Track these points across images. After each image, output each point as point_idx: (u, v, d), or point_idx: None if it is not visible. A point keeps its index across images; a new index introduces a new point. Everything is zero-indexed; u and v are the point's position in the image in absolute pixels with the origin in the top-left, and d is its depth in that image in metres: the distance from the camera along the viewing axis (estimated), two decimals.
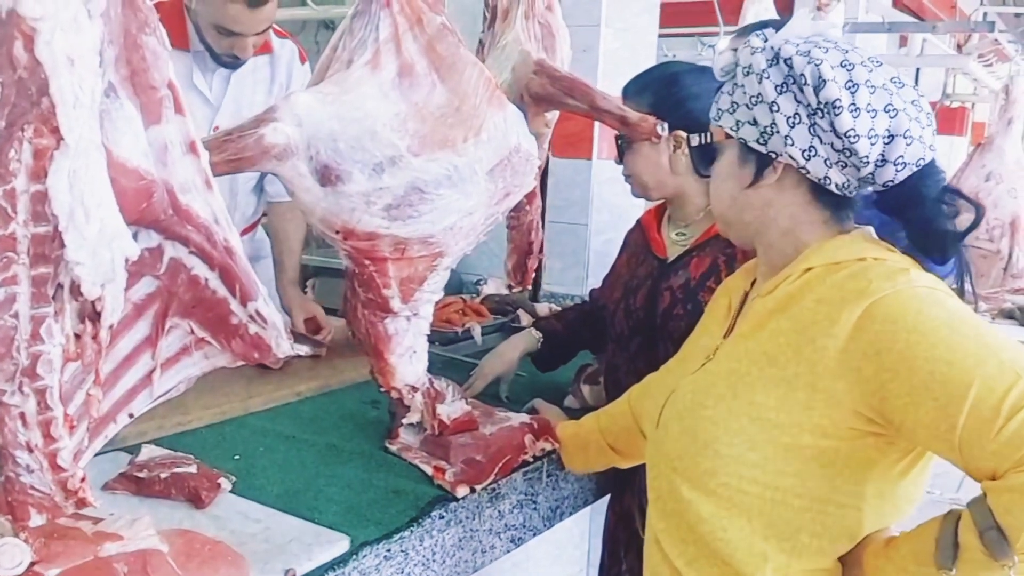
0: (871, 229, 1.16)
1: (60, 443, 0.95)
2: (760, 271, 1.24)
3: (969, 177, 4.06)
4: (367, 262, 1.37)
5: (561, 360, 2.03)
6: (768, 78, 1.09)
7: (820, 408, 1.04)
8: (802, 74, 1.07)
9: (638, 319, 1.71)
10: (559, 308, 2.55)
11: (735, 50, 1.15)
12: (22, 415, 0.94)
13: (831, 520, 1.07)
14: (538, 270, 2.80)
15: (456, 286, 2.92)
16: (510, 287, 2.14)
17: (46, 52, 0.86)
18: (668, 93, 1.67)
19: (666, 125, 1.60)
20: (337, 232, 1.32)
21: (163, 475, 1.35)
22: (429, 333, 1.58)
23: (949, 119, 8.29)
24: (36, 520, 0.99)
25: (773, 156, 1.12)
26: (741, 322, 1.21)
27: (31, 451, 0.95)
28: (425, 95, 1.30)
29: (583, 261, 2.86)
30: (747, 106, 1.13)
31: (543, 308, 2.62)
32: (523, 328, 2.14)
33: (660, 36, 3.07)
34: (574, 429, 1.63)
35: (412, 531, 1.33)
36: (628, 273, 1.80)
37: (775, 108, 1.09)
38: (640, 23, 2.89)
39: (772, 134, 1.11)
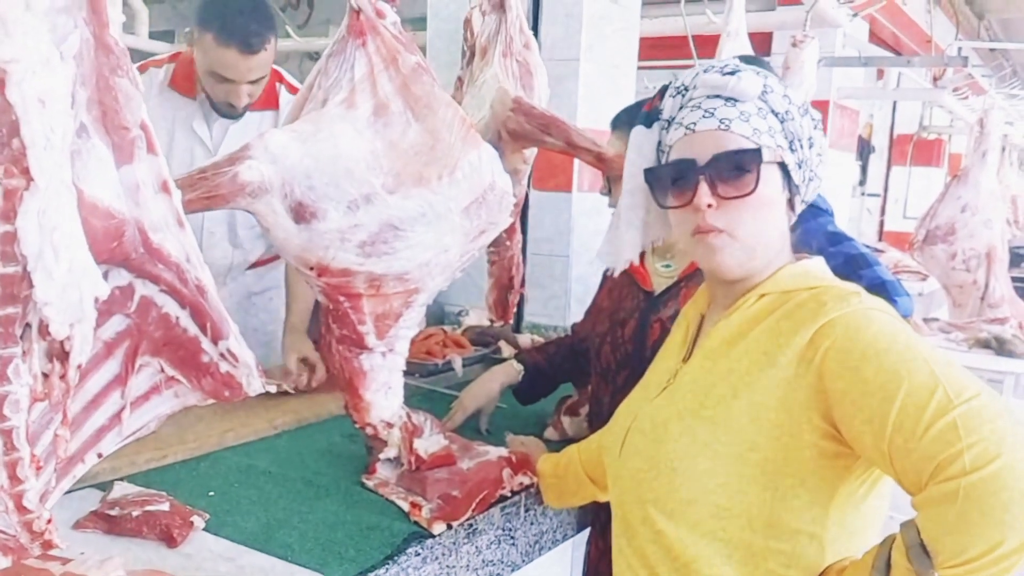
0: (821, 259, 1.20)
1: (26, 484, 0.94)
2: (715, 296, 1.25)
3: (945, 208, 4.12)
4: (342, 298, 1.37)
5: (542, 393, 2.03)
6: (805, 115, 1.16)
7: (783, 428, 1.05)
8: (818, 119, 1.18)
9: (626, 352, 1.72)
10: (541, 339, 2.55)
11: (761, 74, 1.16)
12: None
13: (797, 549, 1.07)
14: (520, 302, 2.82)
15: (437, 317, 2.92)
16: (491, 321, 2.14)
17: (17, 94, 0.87)
18: None
19: None
20: (311, 269, 1.33)
21: (135, 513, 1.33)
22: (409, 365, 1.58)
23: (926, 151, 8.41)
24: (1, 563, 0.97)
25: (798, 188, 1.17)
26: (699, 347, 1.22)
27: None
28: (400, 134, 1.31)
29: (564, 292, 2.87)
30: (785, 135, 1.15)
31: (525, 339, 2.62)
32: (504, 360, 2.14)
33: (639, 69, 3.11)
34: (554, 463, 1.63)
35: (388, 569, 1.32)
36: (612, 307, 1.81)
37: (811, 143, 1.17)
38: (619, 57, 2.93)
39: (803, 165, 1.17)
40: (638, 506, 1.18)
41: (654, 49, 3.88)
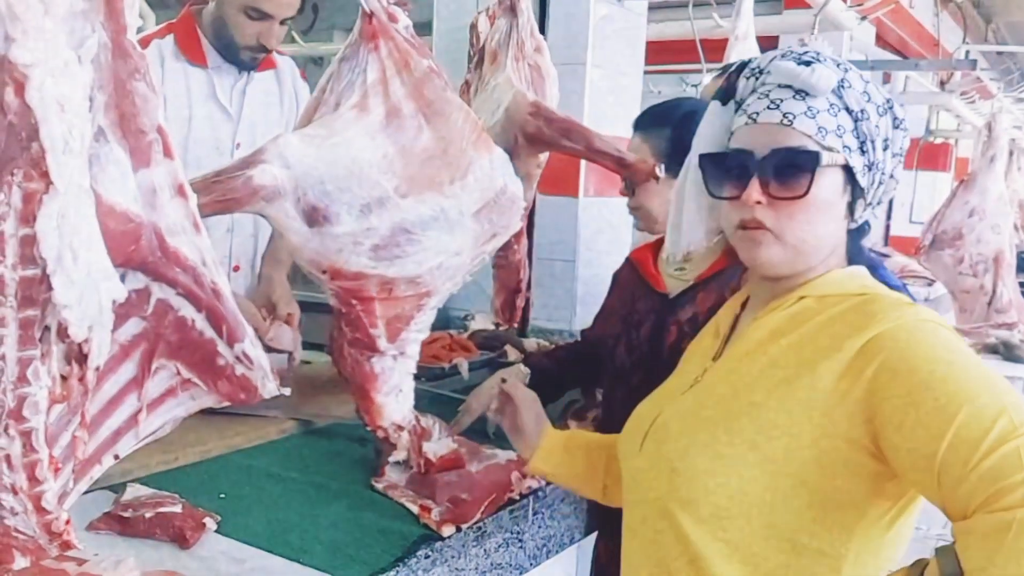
0: (864, 268, 1.15)
1: (45, 485, 0.95)
2: (754, 294, 1.21)
3: (953, 213, 4.11)
4: (354, 302, 1.38)
5: (549, 399, 2.01)
6: (885, 114, 1.09)
7: (816, 436, 1.01)
8: (901, 119, 1.10)
9: (642, 353, 1.71)
10: (547, 343, 2.55)
11: (841, 67, 1.08)
12: (7, 457, 0.95)
13: (811, 569, 1.04)
14: (526, 306, 2.82)
15: (443, 321, 2.92)
16: (497, 325, 2.14)
17: (37, 98, 0.88)
18: (687, 129, 1.67)
19: (662, 167, 1.62)
20: (324, 272, 1.34)
21: (148, 515, 1.34)
22: (415, 369, 1.58)
23: (933, 155, 8.38)
24: (20, 563, 0.98)
25: (864, 191, 1.10)
26: (732, 346, 1.18)
27: (16, 494, 0.95)
28: (412, 138, 1.32)
29: (570, 297, 2.88)
30: (857, 135, 1.08)
31: (531, 344, 2.62)
32: (510, 364, 2.14)
33: (645, 73, 3.11)
34: (566, 438, 1.50)
35: (398, 571, 1.33)
36: (624, 309, 1.80)
37: (886, 145, 1.09)
38: (626, 62, 2.94)
39: (873, 167, 1.09)
40: (655, 507, 1.14)
41: (662, 53, 3.88)
